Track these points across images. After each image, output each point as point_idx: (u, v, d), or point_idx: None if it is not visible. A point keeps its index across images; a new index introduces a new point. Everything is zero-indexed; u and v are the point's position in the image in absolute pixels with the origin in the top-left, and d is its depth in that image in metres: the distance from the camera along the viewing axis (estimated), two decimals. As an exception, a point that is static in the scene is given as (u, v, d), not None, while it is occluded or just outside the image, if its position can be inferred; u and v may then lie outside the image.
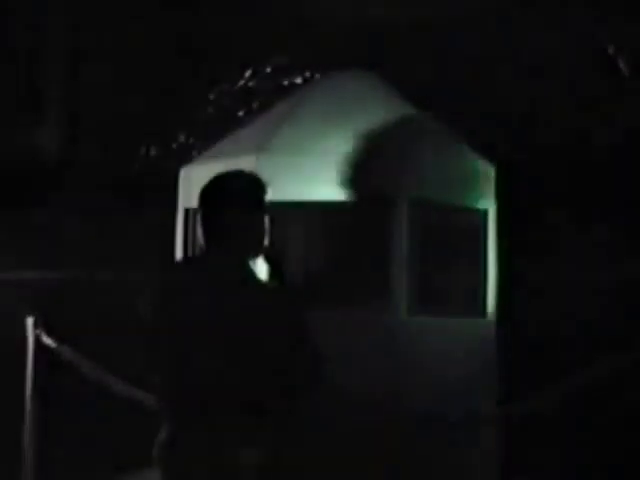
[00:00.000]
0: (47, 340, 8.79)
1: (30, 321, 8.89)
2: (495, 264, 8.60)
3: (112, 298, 10.56)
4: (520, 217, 9.51)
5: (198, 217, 3.88)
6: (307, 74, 12.42)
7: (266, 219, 3.88)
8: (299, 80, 12.41)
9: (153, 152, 12.53)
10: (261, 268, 3.86)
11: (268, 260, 3.83)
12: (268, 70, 12.62)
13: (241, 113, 12.41)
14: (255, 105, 12.33)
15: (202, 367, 3.60)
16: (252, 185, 3.87)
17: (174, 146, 12.50)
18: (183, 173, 9.11)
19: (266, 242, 3.83)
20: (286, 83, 12.44)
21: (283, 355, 3.56)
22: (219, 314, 3.58)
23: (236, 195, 3.80)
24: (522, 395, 7.88)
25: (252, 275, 3.77)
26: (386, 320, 7.92)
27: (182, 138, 12.58)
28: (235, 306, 3.65)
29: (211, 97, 12.64)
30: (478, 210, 8.60)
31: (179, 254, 8.78)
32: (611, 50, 11.14)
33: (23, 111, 12.55)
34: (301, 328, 3.68)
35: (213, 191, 3.84)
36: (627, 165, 10.34)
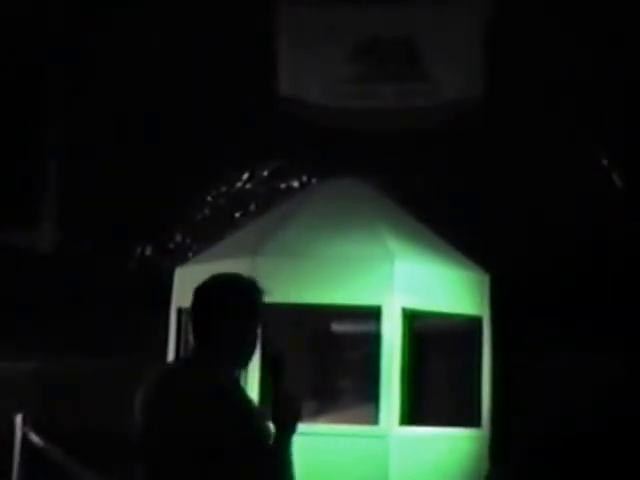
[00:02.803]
0: (34, 438, 8.68)
1: (19, 419, 8.79)
2: (489, 372, 8.54)
3: (100, 395, 10.48)
4: (515, 325, 9.49)
5: (189, 318, 3.77)
6: (304, 178, 12.54)
7: (259, 326, 3.76)
8: (296, 184, 12.52)
9: (149, 251, 12.56)
10: (253, 373, 3.78)
11: (268, 361, 3.75)
12: (265, 173, 12.74)
13: (238, 215, 12.49)
14: (252, 207, 12.43)
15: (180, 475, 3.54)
16: (245, 290, 3.70)
17: (170, 246, 12.54)
18: (178, 273, 9.11)
19: (257, 349, 3.78)
20: (283, 187, 12.54)
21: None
22: (207, 425, 3.50)
23: (229, 300, 3.64)
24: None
25: (239, 386, 3.63)
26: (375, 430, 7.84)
27: (178, 238, 12.63)
28: (210, 421, 3.52)
29: (208, 198, 12.73)
30: (472, 318, 8.58)
31: (171, 353, 8.73)
32: (606, 163, 11.28)
33: (20, 209, 12.60)
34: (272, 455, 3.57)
35: (206, 294, 3.69)
36: (622, 276, 10.38)
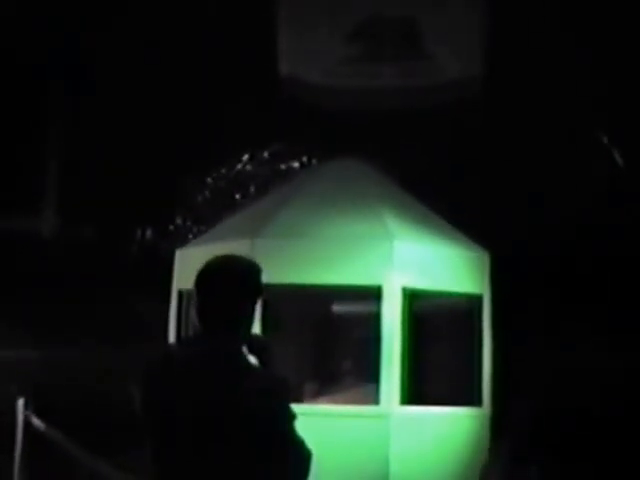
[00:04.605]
0: (36, 422, 8.70)
1: (20, 403, 8.81)
2: (490, 350, 8.54)
3: (102, 379, 10.51)
4: (515, 303, 9.50)
5: (193, 299, 3.85)
6: (304, 160, 12.54)
7: (258, 304, 3.86)
8: (296, 165, 12.53)
9: (149, 234, 12.57)
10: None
11: (252, 347, 3.83)
12: (266, 155, 12.75)
13: (238, 197, 12.51)
14: (252, 189, 12.44)
15: (197, 453, 3.58)
16: (247, 271, 3.82)
17: (171, 228, 12.56)
18: (178, 255, 9.12)
19: (254, 328, 3.86)
20: (283, 168, 12.55)
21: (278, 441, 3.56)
22: (216, 400, 3.56)
23: (232, 281, 3.76)
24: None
25: (246, 361, 3.72)
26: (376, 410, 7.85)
27: (179, 220, 12.65)
28: (235, 393, 3.62)
29: (208, 180, 12.74)
30: (473, 296, 8.58)
31: (172, 335, 8.75)
32: (606, 141, 11.26)
33: (21, 196, 12.62)
34: (292, 418, 3.63)
35: (209, 276, 3.79)
36: (622, 256, 10.38)
